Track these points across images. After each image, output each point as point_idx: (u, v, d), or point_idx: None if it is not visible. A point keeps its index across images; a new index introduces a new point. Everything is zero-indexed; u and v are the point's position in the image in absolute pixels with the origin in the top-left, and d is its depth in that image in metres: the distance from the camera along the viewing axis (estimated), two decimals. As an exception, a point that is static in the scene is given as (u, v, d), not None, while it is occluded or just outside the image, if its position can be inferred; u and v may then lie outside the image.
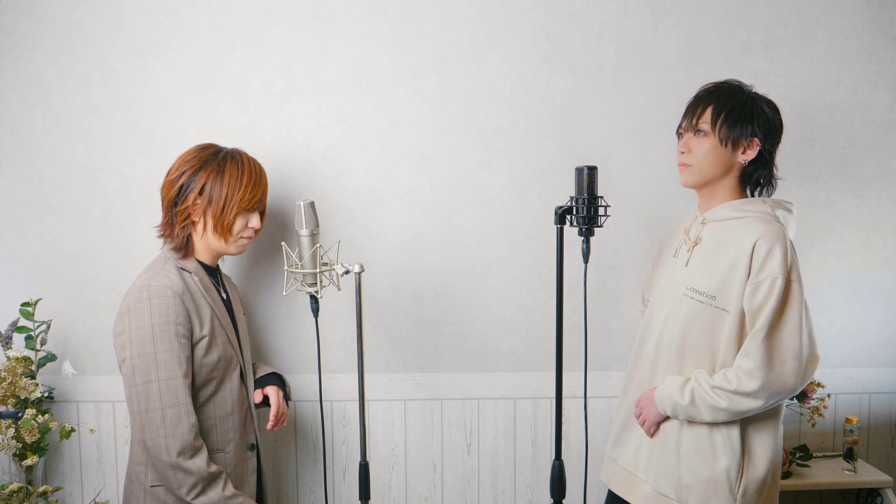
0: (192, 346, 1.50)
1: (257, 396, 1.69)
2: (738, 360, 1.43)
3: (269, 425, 1.67)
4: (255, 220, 1.61)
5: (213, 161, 1.56)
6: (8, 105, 1.97)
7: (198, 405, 1.52)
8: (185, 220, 1.56)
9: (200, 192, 1.54)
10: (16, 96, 1.97)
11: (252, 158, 1.63)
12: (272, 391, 1.71)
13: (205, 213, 1.55)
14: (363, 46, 2.01)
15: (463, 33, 2.02)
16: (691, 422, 1.48)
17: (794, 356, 1.40)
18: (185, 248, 1.57)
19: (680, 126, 1.56)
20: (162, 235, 1.60)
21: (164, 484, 1.47)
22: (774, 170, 1.54)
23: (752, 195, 1.55)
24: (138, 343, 1.43)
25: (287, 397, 1.76)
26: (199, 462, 1.45)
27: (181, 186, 1.54)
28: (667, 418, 1.52)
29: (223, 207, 1.54)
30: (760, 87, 2.02)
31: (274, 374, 1.78)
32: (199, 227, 1.57)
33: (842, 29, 2.06)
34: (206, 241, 1.59)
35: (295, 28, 1.99)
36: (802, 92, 2.07)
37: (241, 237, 1.60)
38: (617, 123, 2.05)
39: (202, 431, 1.52)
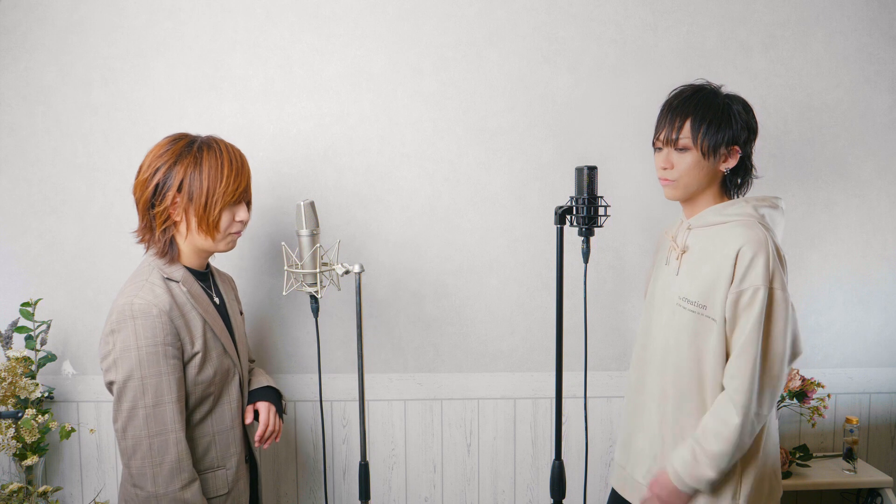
0: (185, 365, 1.39)
1: (248, 415, 1.55)
2: (728, 381, 1.40)
3: (256, 443, 1.55)
4: (241, 213, 1.46)
5: (189, 153, 1.40)
6: (8, 105, 1.97)
7: (195, 422, 1.43)
8: (164, 221, 1.41)
9: (179, 190, 1.39)
10: (16, 96, 1.97)
11: (230, 145, 1.47)
12: (263, 408, 1.57)
13: (186, 211, 1.40)
14: (363, 46, 2.01)
15: (463, 33, 2.02)
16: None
17: (780, 361, 1.41)
18: (169, 253, 1.43)
19: (657, 138, 1.53)
20: (141, 241, 1.46)
21: None
22: (753, 170, 1.54)
23: (733, 195, 1.54)
24: (123, 367, 1.32)
25: (281, 412, 1.61)
26: (189, 496, 1.35)
27: (157, 185, 1.39)
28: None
29: (206, 203, 1.40)
30: (760, 86, 2.04)
31: (268, 387, 1.63)
32: (182, 227, 1.43)
33: (842, 29, 2.06)
34: (191, 242, 1.44)
35: (295, 28, 1.99)
36: (802, 92, 2.07)
37: (230, 232, 1.46)
38: (617, 123, 2.05)
39: (200, 450, 1.43)
